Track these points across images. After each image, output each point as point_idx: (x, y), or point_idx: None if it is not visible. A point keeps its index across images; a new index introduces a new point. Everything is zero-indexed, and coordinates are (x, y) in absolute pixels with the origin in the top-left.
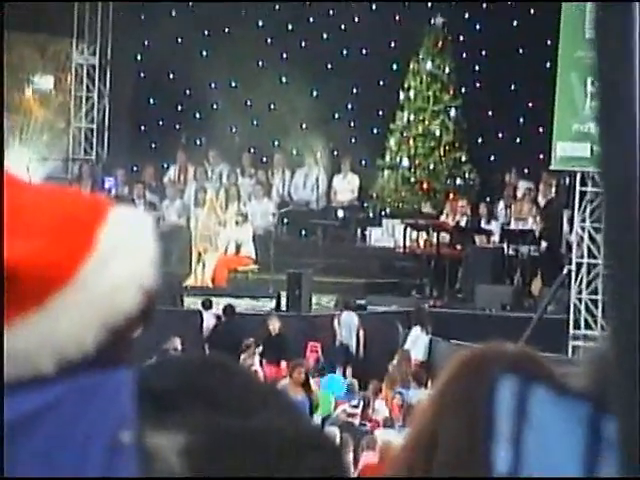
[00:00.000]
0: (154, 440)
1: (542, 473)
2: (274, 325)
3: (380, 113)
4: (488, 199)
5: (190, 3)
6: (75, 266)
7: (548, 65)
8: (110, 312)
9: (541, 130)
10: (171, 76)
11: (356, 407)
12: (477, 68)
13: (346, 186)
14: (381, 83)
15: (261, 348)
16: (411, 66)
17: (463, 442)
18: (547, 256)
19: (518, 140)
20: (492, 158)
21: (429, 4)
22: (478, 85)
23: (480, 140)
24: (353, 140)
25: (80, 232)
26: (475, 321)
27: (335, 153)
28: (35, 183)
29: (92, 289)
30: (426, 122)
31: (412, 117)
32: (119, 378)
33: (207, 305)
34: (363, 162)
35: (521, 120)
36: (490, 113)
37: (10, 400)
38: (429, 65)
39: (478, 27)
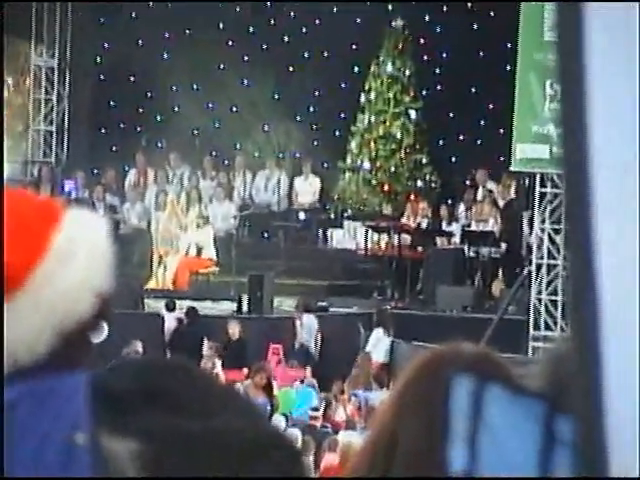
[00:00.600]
0: (109, 443)
1: (497, 472)
2: (234, 329)
3: (342, 115)
4: (449, 201)
5: (150, 4)
6: (27, 270)
7: (508, 68)
8: (63, 316)
9: (502, 132)
10: (132, 78)
11: (317, 409)
12: (437, 70)
13: (307, 188)
14: (342, 85)
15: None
16: (372, 68)
17: (422, 442)
18: (507, 257)
19: (479, 142)
20: (453, 160)
21: (389, 6)
22: (439, 87)
23: (441, 142)
24: (315, 142)
25: (33, 236)
26: (436, 322)
27: (296, 155)
28: None
29: (44, 293)
30: (387, 124)
31: (373, 119)
32: (74, 381)
33: (170, 307)
34: (324, 164)
35: (482, 122)
36: (451, 115)
37: None
38: (389, 67)
39: (438, 30)
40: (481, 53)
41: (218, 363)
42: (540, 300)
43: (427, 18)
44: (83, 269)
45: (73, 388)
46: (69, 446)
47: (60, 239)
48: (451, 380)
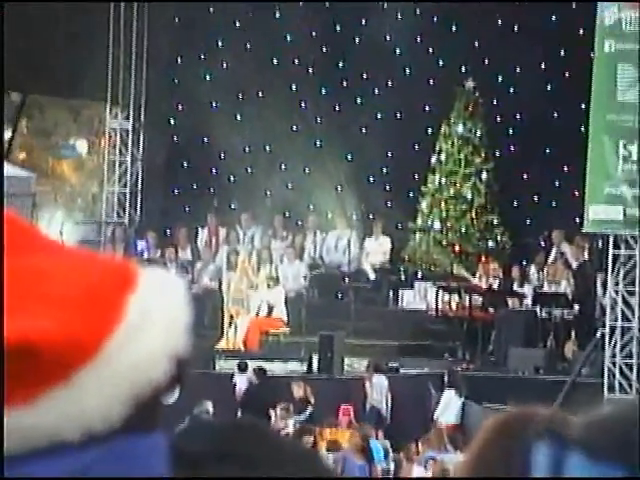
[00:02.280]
0: None
1: None
2: (299, 389)
3: (414, 176)
4: (521, 262)
5: (225, 65)
6: (102, 339)
7: (582, 129)
8: (139, 384)
9: (576, 193)
10: (205, 140)
11: (387, 472)
12: (511, 131)
13: (378, 248)
14: (415, 147)
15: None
16: (442, 129)
17: None
18: (580, 319)
19: (553, 203)
20: (526, 221)
21: (462, 68)
22: (512, 148)
23: (515, 203)
24: (387, 203)
25: (107, 302)
26: (508, 384)
27: (368, 216)
28: (64, 246)
29: (120, 362)
30: (458, 185)
31: (444, 180)
32: (150, 443)
33: (242, 368)
34: (395, 224)
35: (556, 183)
36: (525, 176)
37: (34, 467)
38: (460, 128)
39: (512, 90)
40: (555, 114)
41: (290, 423)
42: (614, 363)
43: (500, 79)
44: (160, 335)
45: (148, 451)
46: None
47: (135, 304)
48: (529, 444)
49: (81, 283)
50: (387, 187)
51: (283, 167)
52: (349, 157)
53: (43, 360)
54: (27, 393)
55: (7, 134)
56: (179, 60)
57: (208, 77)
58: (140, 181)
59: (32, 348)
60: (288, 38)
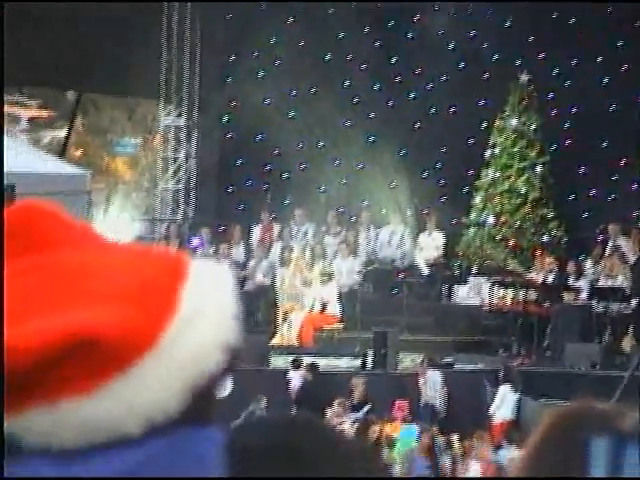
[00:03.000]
0: None
1: None
2: (358, 384)
3: (467, 170)
4: (577, 256)
5: (278, 62)
6: (158, 332)
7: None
8: (195, 374)
9: (634, 187)
10: (258, 137)
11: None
12: (567, 125)
13: (431, 243)
14: (470, 141)
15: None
16: (497, 123)
17: None
18: (638, 313)
19: (609, 197)
20: (582, 215)
21: (517, 61)
22: (568, 142)
23: (569, 196)
24: (440, 198)
25: (162, 295)
26: (564, 379)
27: (422, 211)
28: (116, 242)
29: (176, 353)
30: (512, 179)
31: (498, 174)
32: (208, 438)
33: (296, 364)
34: (449, 219)
35: (613, 177)
36: (581, 170)
37: (98, 460)
38: (514, 122)
39: (568, 84)
40: (611, 107)
41: (346, 419)
42: None
43: (555, 72)
44: (211, 326)
45: (208, 444)
46: None
47: (187, 297)
48: (586, 439)
49: (136, 277)
50: (441, 182)
51: (336, 163)
52: (402, 152)
53: (102, 352)
54: (87, 385)
55: (63, 132)
56: (232, 57)
57: (261, 74)
58: (194, 178)
59: (93, 340)
60: (341, 34)
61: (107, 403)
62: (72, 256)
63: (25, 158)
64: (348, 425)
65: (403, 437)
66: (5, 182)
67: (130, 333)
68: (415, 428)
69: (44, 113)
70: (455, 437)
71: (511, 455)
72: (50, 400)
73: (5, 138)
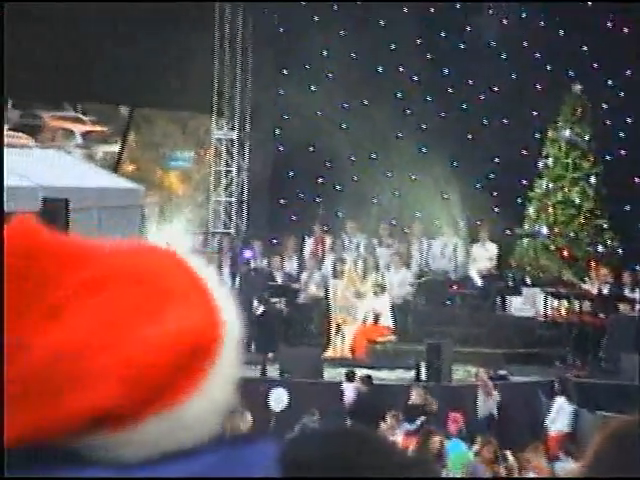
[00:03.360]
0: None
1: None
2: (418, 395)
3: (521, 181)
4: (633, 267)
5: (330, 75)
6: (221, 332)
7: None
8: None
9: None
10: (310, 149)
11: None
12: (621, 135)
13: (484, 254)
14: (523, 152)
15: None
16: (550, 134)
17: None
18: None
19: None
20: (638, 225)
21: (570, 72)
22: (622, 152)
23: (624, 207)
24: (494, 209)
25: (208, 294)
26: (621, 392)
27: (475, 222)
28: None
29: (227, 353)
30: (565, 189)
31: (551, 185)
32: (261, 451)
33: (350, 376)
34: (502, 230)
35: None
36: (635, 180)
37: (156, 471)
38: (568, 132)
39: (621, 94)
40: None
41: (399, 432)
42: None
43: (608, 82)
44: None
45: (263, 456)
46: None
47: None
48: None
49: (183, 276)
50: (494, 193)
51: (389, 174)
52: (455, 163)
53: (202, 356)
54: (192, 387)
55: (116, 147)
56: (284, 70)
57: (313, 87)
58: (246, 190)
59: (201, 346)
60: (392, 46)
61: (203, 403)
62: (124, 263)
63: (79, 173)
64: (402, 437)
65: (452, 451)
66: (59, 196)
67: (218, 335)
68: (461, 443)
69: (98, 128)
70: (509, 450)
71: (568, 468)
72: (169, 406)
73: (60, 153)
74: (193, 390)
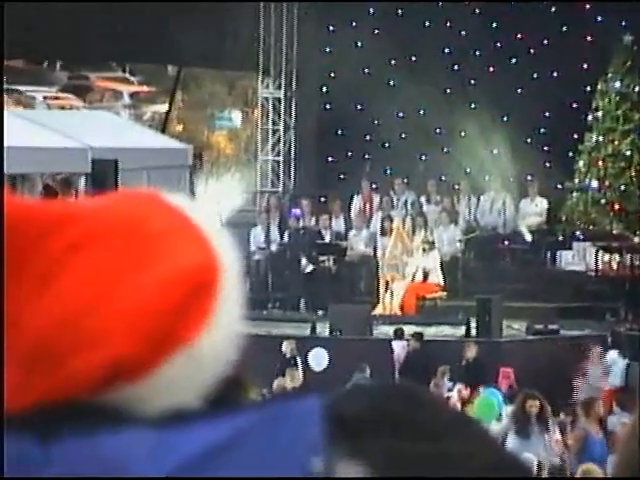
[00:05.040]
0: (340, 467)
1: None
2: (471, 351)
3: (571, 135)
4: None
5: (376, 31)
6: (221, 269)
7: None
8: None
9: None
10: (358, 106)
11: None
12: None
13: (534, 209)
14: (573, 105)
15: (452, 375)
16: (599, 86)
17: None
18: None
19: None
20: None
21: (621, 22)
22: None
23: None
24: (545, 163)
25: (202, 233)
26: None
27: (525, 177)
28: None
29: (230, 288)
30: (616, 142)
31: (601, 138)
32: (309, 405)
33: (399, 334)
34: (552, 185)
35: None
36: None
37: (201, 427)
38: (618, 84)
39: None
40: None
41: (447, 386)
42: None
43: None
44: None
45: (308, 412)
46: (305, 472)
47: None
48: None
49: (178, 218)
50: (544, 147)
51: (437, 131)
52: (505, 118)
53: (209, 290)
54: (205, 320)
55: (164, 107)
56: (330, 27)
57: (359, 43)
58: (293, 149)
59: (207, 281)
60: (439, 2)
61: (219, 332)
62: (104, 216)
63: (127, 133)
64: (454, 393)
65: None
66: (108, 157)
67: (216, 270)
68: (496, 392)
69: (145, 88)
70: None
71: (622, 421)
72: (184, 344)
73: (108, 114)
74: (200, 328)
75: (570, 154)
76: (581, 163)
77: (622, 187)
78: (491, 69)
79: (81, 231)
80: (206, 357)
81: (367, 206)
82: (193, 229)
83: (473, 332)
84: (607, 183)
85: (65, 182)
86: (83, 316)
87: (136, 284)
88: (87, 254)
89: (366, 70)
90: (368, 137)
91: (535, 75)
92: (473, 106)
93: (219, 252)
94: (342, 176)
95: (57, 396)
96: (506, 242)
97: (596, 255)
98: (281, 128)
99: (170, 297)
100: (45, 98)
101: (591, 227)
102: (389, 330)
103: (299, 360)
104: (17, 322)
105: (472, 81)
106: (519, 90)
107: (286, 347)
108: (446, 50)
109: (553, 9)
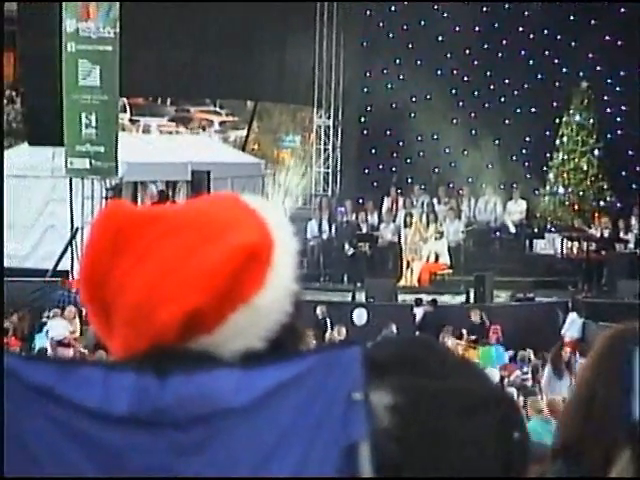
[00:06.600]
0: (372, 398)
1: None
2: (476, 315)
3: (544, 154)
4: (627, 216)
5: (402, 76)
6: (272, 247)
7: None
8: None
9: None
10: (387, 132)
11: (526, 373)
12: (618, 119)
13: (517, 209)
14: (546, 133)
15: (455, 331)
16: (564, 119)
17: (613, 396)
18: None
19: None
20: (631, 185)
21: (580, 73)
22: (619, 132)
23: (621, 172)
24: (525, 175)
25: (258, 221)
26: (617, 307)
27: (511, 185)
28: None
29: (282, 261)
30: (576, 160)
31: (566, 157)
32: (351, 353)
33: (418, 302)
34: (531, 191)
35: None
36: (630, 153)
37: (271, 368)
38: (577, 117)
39: (619, 89)
40: None
41: (454, 341)
42: None
43: (609, 81)
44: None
45: (350, 359)
46: (350, 401)
47: (270, 224)
48: (632, 350)
49: (236, 211)
50: (525, 163)
51: (447, 150)
52: (497, 141)
53: (260, 260)
54: (260, 281)
55: (244, 132)
56: (368, 73)
57: (389, 86)
58: (339, 164)
59: (257, 251)
60: (449, 55)
61: (273, 291)
62: (189, 213)
63: (217, 152)
64: (460, 345)
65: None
66: (203, 169)
67: (269, 246)
68: (499, 347)
69: (230, 118)
70: (531, 352)
71: (579, 363)
72: (246, 299)
73: (203, 137)
74: (256, 287)
75: (544, 168)
76: (551, 175)
77: (580, 192)
78: (487, 105)
79: (167, 225)
80: (263, 309)
81: (394, 206)
82: (255, 219)
83: (472, 299)
84: (570, 189)
85: (173, 187)
86: (166, 279)
87: (206, 255)
88: (171, 240)
89: (394, 105)
90: (395, 155)
91: (518, 110)
92: (474, 132)
93: (274, 235)
94: (375, 184)
95: (154, 343)
96: (497, 233)
97: (562, 243)
98: (330, 148)
99: (231, 264)
100: (158, 126)
101: (558, 222)
102: (410, 298)
103: (328, 321)
104: (121, 292)
105: (473, 114)
106: (507, 121)
107: (319, 310)
108: (453, 91)
109: (530, 62)
